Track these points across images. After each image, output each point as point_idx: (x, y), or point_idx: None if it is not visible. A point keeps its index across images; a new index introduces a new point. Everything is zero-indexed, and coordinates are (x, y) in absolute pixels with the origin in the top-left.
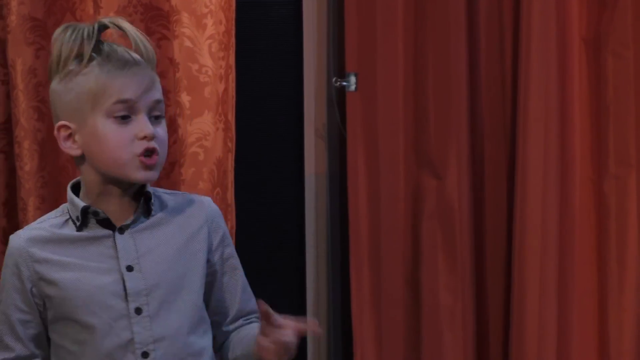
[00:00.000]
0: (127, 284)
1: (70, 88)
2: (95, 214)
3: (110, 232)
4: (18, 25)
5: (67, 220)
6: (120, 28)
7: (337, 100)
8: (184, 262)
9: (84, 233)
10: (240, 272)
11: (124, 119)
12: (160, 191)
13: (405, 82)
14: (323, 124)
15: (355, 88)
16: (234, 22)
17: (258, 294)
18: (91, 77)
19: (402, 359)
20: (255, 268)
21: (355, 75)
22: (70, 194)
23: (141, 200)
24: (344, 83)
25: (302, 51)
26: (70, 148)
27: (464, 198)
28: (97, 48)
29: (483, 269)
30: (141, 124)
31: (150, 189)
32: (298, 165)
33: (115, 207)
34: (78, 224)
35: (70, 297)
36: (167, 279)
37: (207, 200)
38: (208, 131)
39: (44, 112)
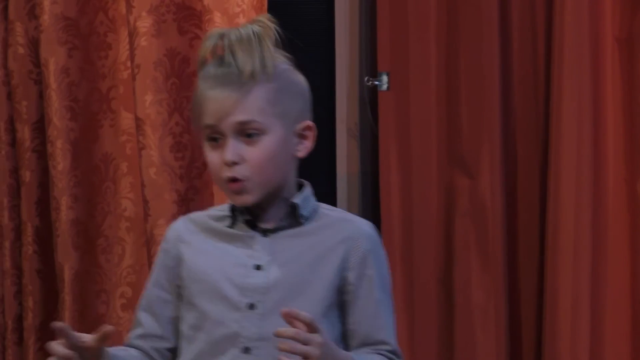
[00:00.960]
0: (249, 279)
1: None
2: (242, 214)
3: (254, 233)
4: (51, 24)
5: (225, 216)
6: (222, 38)
7: (370, 99)
8: (310, 273)
9: (233, 230)
10: (375, 298)
11: (215, 141)
12: (324, 206)
13: (438, 81)
14: (355, 123)
15: (388, 87)
16: None
17: None
18: (196, 95)
19: (435, 357)
20: None
21: (388, 74)
22: None
23: (286, 210)
24: (376, 82)
25: (334, 50)
26: None
27: (496, 197)
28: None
29: (516, 268)
30: (224, 149)
31: (307, 201)
32: (330, 165)
33: (261, 211)
34: (230, 220)
35: (198, 281)
36: (288, 283)
37: (360, 222)
38: None
39: (77, 112)
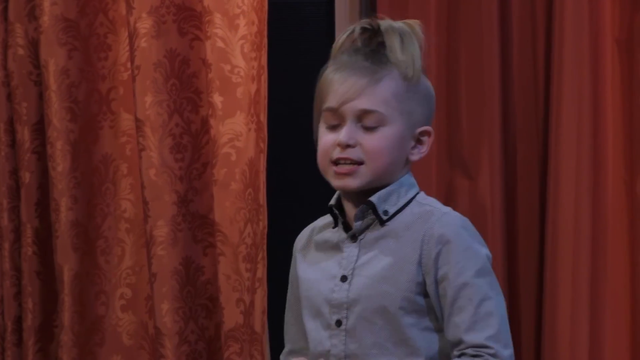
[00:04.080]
0: (334, 294)
1: None
2: (337, 216)
3: (345, 237)
4: (51, 25)
5: (331, 221)
6: (372, 27)
7: None
8: (389, 279)
9: (334, 233)
10: (453, 293)
11: (334, 127)
12: (420, 197)
13: (438, 82)
14: None
15: None
16: (266, 22)
17: None
18: (320, 80)
19: None
20: (289, 270)
21: None
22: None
23: (359, 208)
24: None
25: None
26: None
27: (496, 198)
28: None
29: (515, 270)
30: (341, 131)
31: (392, 196)
32: None
33: (353, 212)
34: (334, 223)
35: (303, 297)
36: (368, 295)
37: (439, 212)
38: (240, 132)
39: (77, 113)
